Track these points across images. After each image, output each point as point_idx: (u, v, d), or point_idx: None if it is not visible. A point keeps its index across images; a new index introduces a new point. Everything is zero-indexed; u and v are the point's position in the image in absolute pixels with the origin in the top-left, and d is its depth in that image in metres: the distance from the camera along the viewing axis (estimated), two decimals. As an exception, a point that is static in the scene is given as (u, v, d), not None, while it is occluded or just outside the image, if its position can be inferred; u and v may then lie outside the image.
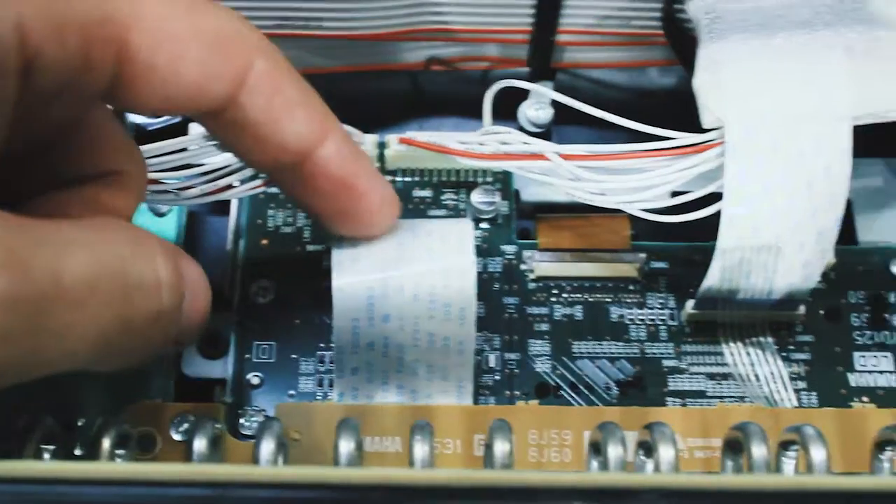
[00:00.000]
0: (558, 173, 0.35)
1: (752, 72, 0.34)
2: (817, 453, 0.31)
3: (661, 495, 0.23)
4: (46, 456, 0.32)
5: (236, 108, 0.29)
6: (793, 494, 0.23)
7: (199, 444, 0.31)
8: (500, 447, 0.31)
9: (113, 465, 0.27)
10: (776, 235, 0.34)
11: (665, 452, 0.31)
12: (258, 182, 0.36)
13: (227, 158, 0.35)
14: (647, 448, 0.32)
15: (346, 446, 0.31)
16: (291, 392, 0.37)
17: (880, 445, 0.33)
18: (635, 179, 0.35)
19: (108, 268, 0.26)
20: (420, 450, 0.31)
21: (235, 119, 0.30)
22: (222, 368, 0.37)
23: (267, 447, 0.31)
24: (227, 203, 0.40)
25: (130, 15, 0.27)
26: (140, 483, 0.23)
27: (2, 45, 0.24)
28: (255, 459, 0.31)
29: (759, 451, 0.31)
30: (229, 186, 0.36)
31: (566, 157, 0.35)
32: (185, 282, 0.29)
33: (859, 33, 0.33)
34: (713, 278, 0.35)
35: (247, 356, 0.37)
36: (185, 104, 0.29)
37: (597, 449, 0.32)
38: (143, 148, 0.35)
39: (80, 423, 0.35)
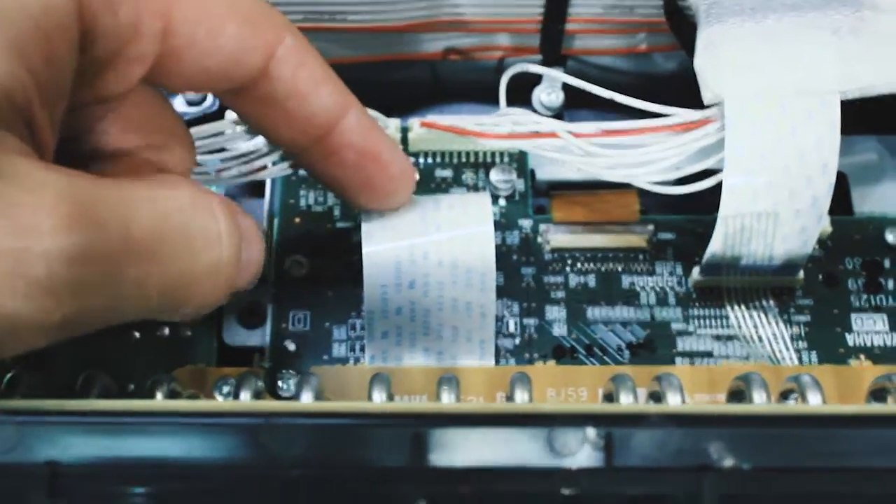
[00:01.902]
0: (570, 150, 0.38)
1: (747, 51, 0.36)
2: (813, 398, 0.33)
3: (664, 417, 0.26)
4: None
5: (267, 81, 0.32)
6: (778, 418, 0.26)
7: (245, 396, 0.34)
8: (521, 396, 0.34)
9: (170, 402, 0.30)
10: (774, 202, 0.36)
11: (673, 399, 0.33)
12: (290, 163, 0.39)
13: (260, 142, 0.38)
14: (657, 398, 0.35)
15: (378, 396, 0.34)
16: (325, 357, 0.40)
17: (874, 394, 0.35)
18: (641, 154, 0.37)
19: (172, 221, 0.28)
20: (447, 398, 0.34)
21: (266, 94, 0.32)
22: (261, 337, 0.40)
23: (307, 397, 0.33)
24: (261, 185, 0.43)
25: None
26: (196, 414, 0.26)
27: (62, 12, 0.26)
28: (295, 409, 0.33)
29: (759, 396, 0.34)
30: (263, 168, 0.38)
31: (576, 134, 0.38)
32: (242, 233, 0.31)
33: (845, 14, 0.36)
34: (717, 245, 0.38)
35: (283, 325, 0.40)
36: (221, 77, 0.31)
37: (610, 399, 0.35)
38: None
39: (130, 388, 0.38)
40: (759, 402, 0.33)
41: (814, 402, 0.33)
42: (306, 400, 0.33)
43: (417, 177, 0.37)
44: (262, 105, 0.33)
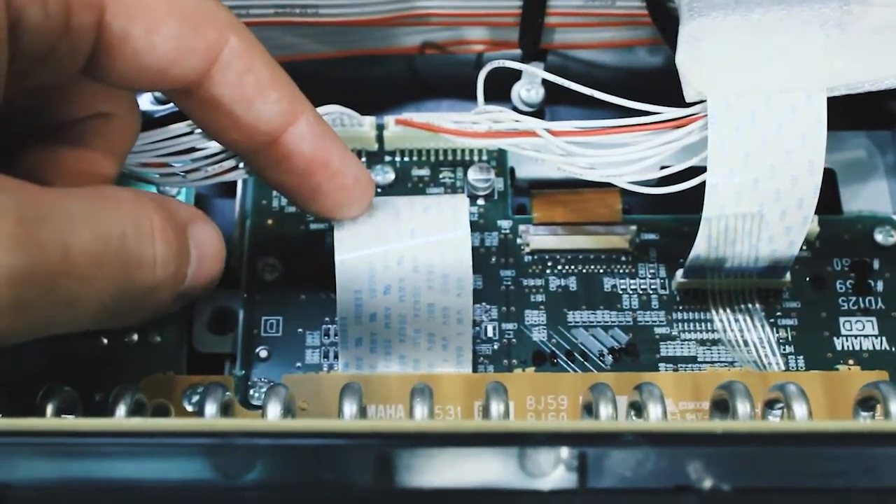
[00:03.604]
0: (549, 149, 0.37)
1: (731, 47, 0.35)
2: (799, 409, 0.32)
3: (640, 435, 0.25)
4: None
5: (210, 84, 0.31)
6: (759, 436, 0.25)
7: (210, 409, 0.33)
8: (496, 407, 0.32)
9: (123, 421, 0.29)
10: (758, 203, 0.35)
11: (654, 410, 0.32)
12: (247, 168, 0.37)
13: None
14: (638, 408, 0.34)
15: (349, 408, 0.32)
16: (298, 364, 0.38)
17: (862, 403, 0.34)
18: (622, 153, 0.36)
19: (111, 245, 0.28)
20: (420, 410, 0.32)
21: (209, 97, 0.31)
22: (232, 343, 0.39)
23: (273, 410, 0.32)
24: (233, 185, 0.41)
25: None
26: (149, 434, 0.25)
27: None
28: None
29: (743, 407, 0.33)
30: (234, 168, 0.37)
31: (555, 133, 0.36)
32: (195, 248, 0.31)
33: (833, 8, 0.35)
34: (700, 246, 0.37)
35: (255, 331, 0.39)
36: (158, 77, 0.30)
37: (589, 410, 0.34)
38: (150, 133, 0.37)
39: (97, 398, 0.37)
40: (743, 413, 0.32)
41: (799, 414, 0.32)
42: (273, 412, 0.32)
43: (373, 187, 0.35)
44: (207, 107, 0.31)
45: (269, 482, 0.25)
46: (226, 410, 0.34)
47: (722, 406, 0.34)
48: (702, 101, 0.35)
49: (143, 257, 0.29)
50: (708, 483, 0.25)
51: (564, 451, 0.25)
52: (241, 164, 0.37)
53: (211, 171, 0.37)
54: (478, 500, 0.25)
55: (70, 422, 0.26)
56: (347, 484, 0.25)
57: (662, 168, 0.38)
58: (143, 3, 0.29)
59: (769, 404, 0.34)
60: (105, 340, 0.38)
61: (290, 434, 0.25)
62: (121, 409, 0.33)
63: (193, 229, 0.32)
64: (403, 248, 0.36)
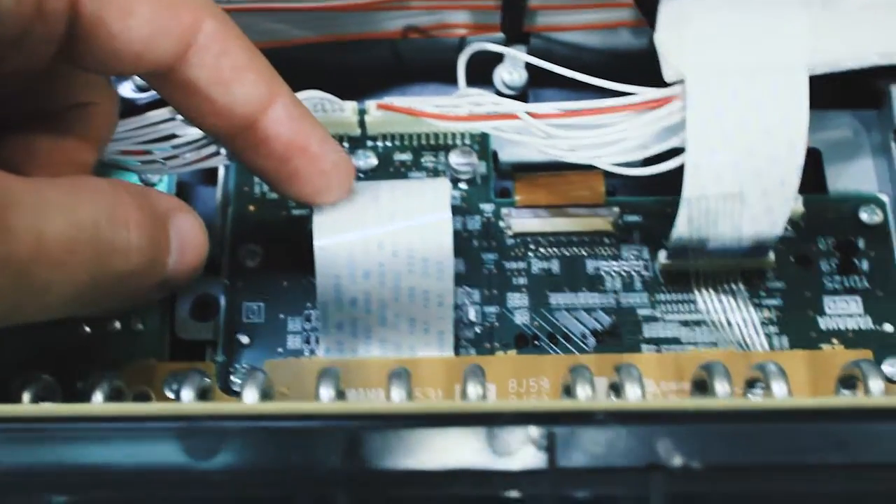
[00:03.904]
0: (530, 132, 0.37)
1: (711, 25, 0.35)
2: (778, 388, 0.32)
3: (609, 414, 0.25)
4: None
5: (186, 67, 0.31)
6: (729, 414, 0.25)
7: (187, 395, 0.33)
8: (473, 390, 0.32)
9: (93, 406, 0.29)
10: (739, 183, 0.35)
11: (631, 391, 0.32)
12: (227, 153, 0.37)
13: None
14: (617, 389, 0.33)
15: (325, 392, 0.32)
16: (280, 349, 0.38)
17: (843, 381, 0.34)
18: (602, 134, 0.36)
19: (85, 232, 0.28)
20: (397, 394, 0.32)
21: (185, 80, 0.31)
22: (214, 330, 0.39)
23: (251, 395, 0.32)
24: (215, 172, 0.41)
25: None
26: (117, 419, 0.25)
27: None
28: (239, 407, 0.32)
29: (721, 386, 0.32)
30: (215, 154, 0.37)
31: (535, 115, 0.36)
32: (176, 238, 0.31)
33: (816, -15, 0.35)
34: (682, 228, 0.37)
35: (237, 317, 0.39)
36: (134, 60, 0.30)
37: (569, 392, 0.34)
38: (130, 120, 0.37)
39: (78, 386, 0.37)
40: (721, 392, 0.32)
41: (778, 392, 0.32)
42: (250, 397, 0.32)
43: (353, 172, 0.35)
44: (183, 91, 0.31)
45: (238, 465, 0.25)
46: (204, 396, 0.34)
47: (702, 386, 0.34)
48: (681, 81, 0.35)
49: (117, 245, 0.29)
50: (678, 461, 0.25)
51: (533, 431, 0.25)
52: (222, 151, 0.37)
53: (191, 158, 0.37)
54: (447, 480, 0.25)
55: (35, 407, 0.26)
56: (316, 466, 0.25)
57: (645, 149, 0.37)
58: None
59: (750, 384, 0.34)
60: (87, 329, 0.38)
61: (258, 416, 0.25)
62: (97, 396, 0.33)
63: (175, 220, 0.32)
64: (383, 233, 0.35)
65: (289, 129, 0.33)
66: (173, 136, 0.37)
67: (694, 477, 0.25)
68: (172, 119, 0.37)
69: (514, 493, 0.25)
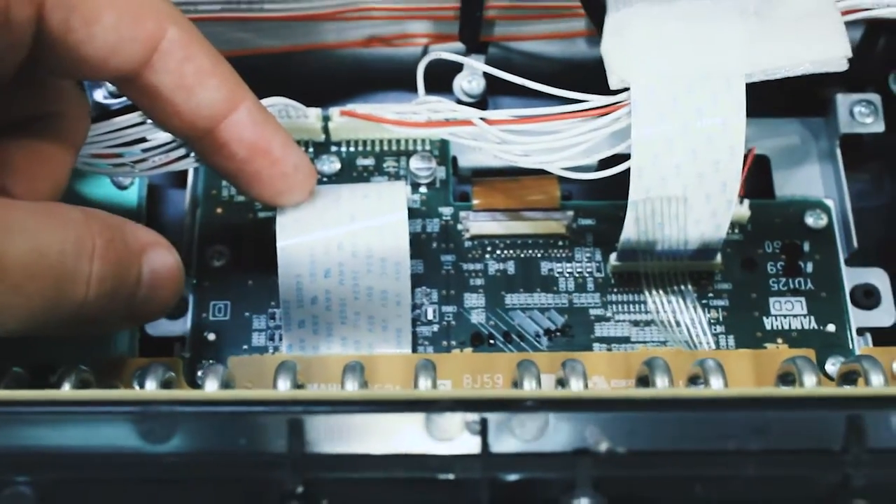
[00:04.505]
0: (485, 138, 0.38)
1: (653, 35, 0.36)
2: (716, 382, 0.34)
3: (539, 402, 0.26)
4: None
5: (150, 73, 0.32)
6: (653, 402, 0.26)
7: (150, 385, 0.34)
8: (423, 383, 0.34)
9: (50, 392, 0.30)
10: (682, 186, 0.37)
11: (575, 384, 0.34)
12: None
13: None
14: (563, 384, 0.35)
15: (283, 384, 0.34)
16: (245, 346, 0.40)
17: (782, 378, 0.36)
18: (553, 140, 0.37)
19: (46, 259, 0.29)
20: (350, 385, 0.34)
21: (150, 85, 0.32)
22: (182, 327, 0.40)
23: (211, 385, 0.33)
24: (184, 175, 0.43)
25: None
26: (74, 403, 0.26)
27: None
28: (199, 399, 0.33)
29: (661, 381, 0.34)
30: (184, 157, 0.39)
31: (490, 121, 0.38)
32: (149, 272, 0.32)
33: (752, -4, 0.36)
34: (630, 230, 0.38)
35: (204, 315, 0.40)
36: (99, 66, 0.31)
37: (516, 386, 0.35)
38: (103, 124, 0.38)
39: (52, 380, 0.38)
40: (662, 387, 0.34)
41: (716, 386, 0.33)
42: (210, 387, 0.33)
43: (314, 175, 0.37)
44: (148, 95, 0.33)
45: (188, 448, 0.26)
46: (167, 387, 0.35)
47: (645, 381, 0.35)
48: (626, 89, 0.36)
49: (78, 274, 0.30)
50: (604, 446, 0.26)
51: (468, 416, 0.26)
52: (191, 154, 0.38)
53: (160, 161, 0.39)
54: (386, 463, 0.26)
55: (1, 393, 0.27)
56: (262, 449, 0.26)
57: (594, 154, 0.39)
58: None
59: (692, 380, 0.35)
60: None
61: (206, 402, 0.26)
62: (66, 387, 0.34)
63: (150, 255, 0.33)
64: (343, 234, 0.37)
65: (251, 133, 0.34)
66: (143, 140, 0.38)
67: (619, 462, 0.26)
68: (142, 123, 0.38)
69: (449, 476, 0.26)
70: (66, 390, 0.33)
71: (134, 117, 0.38)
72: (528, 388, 0.34)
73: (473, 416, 0.26)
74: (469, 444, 0.26)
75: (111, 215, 0.32)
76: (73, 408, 0.26)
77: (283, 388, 0.34)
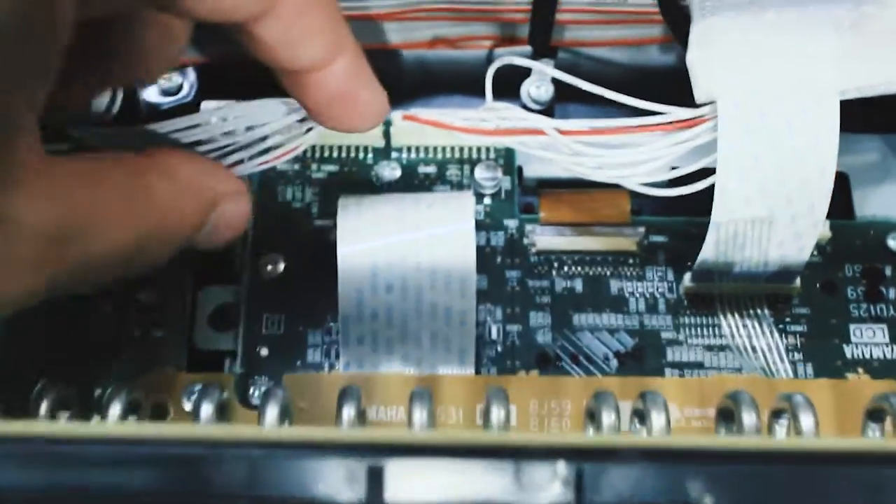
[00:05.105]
0: (557, 148, 0.36)
1: (742, 47, 0.34)
2: (806, 420, 0.32)
3: (640, 453, 0.24)
4: (62, 421, 0.33)
5: (259, 24, 0.30)
6: (763, 454, 0.24)
7: (206, 411, 0.32)
8: (497, 413, 0.32)
9: (96, 426, 0.28)
10: (768, 207, 0.35)
11: (657, 419, 0.32)
12: (268, 157, 0.37)
13: (237, 136, 0.36)
14: (642, 416, 0.33)
15: (347, 412, 0.32)
16: (299, 362, 0.38)
17: (871, 414, 0.34)
18: (631, 154, 0.35)
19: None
20: (419, 416, 0.32)
21: (255, 33, 0.30)
22: (233, 340, 0.38)
23: (271, 413, 0.32)
24: (239, 180, 0.41)
25: None
26: (119, 442, 0.24)
27: None
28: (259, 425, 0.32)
29: (749, 418, 0.32)
30: (240, 162, 0.37)
31: (563, 132, 0.36)
32: (217, 218, 0.32)
33: (847, 10, 0.34)
34: (709, 251, 0.36)
35: (256, 328, 0.38)
36: (212, 12, 0.30)
37: (592, 417, 0.33)
38: (157, 125, 0.36)
39: (97, 393, 0.37)
40: (749, 423, 0.32)
41: (806, 425, 0.31)
42: (270, 416, 0.32)
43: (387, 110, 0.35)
44: (250, 40, 0.31)
45: (246, 493, 0.24)
46: (222, 411, 0.34)
47: (728, 415, 0.33)
48: (712, 103, 0.34)
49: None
50: (708, 501, 0.24)
51: (561, 467, 0.24)
52: (248, 158, 0.36)
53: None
54: (472, 513, 0.25)
55: (34, 424, 0.25)
56: (336, 497, 0.24)
57: (673, 169, 0.37)
58: None
59: (776, 414, 0.34)
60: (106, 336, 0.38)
61: (273, 444, 0.25)
62: (115, 409, 0.32)
63: (223, 206, 0.32)
64: (407, 244, 0.35)
65: (341, 84, 0.32)
66: (199, 143, 0.37)
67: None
68: (197, 126, 0.36)
69: (539, 529, 0.24)
70: (119, 421, 0.31)
71: (190, 119, 0.36)
72: (607, 422, 0.32)
73: (569, 466, 0.24)
74: (561, 496, 0.24)
75: (192, 167, 0.32)
76: (129, 447, 0.25)
77: (348, 417, 0.32)
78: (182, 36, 0.33)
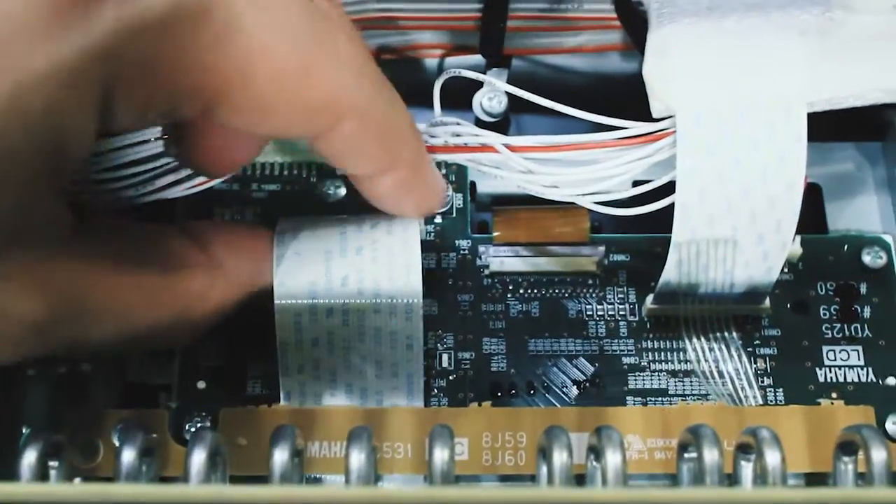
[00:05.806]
0: (509, 166, 0.34)
1: (702, 57, 0.32)
2: (772, 457, 0.30)
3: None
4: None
5: (314, 141, 0.31)
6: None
7: (128, 456, 0.30)
8: (440, 454, 0.30)
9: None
10: (732, 227, 0.32)
11: (612, 458, 0.30)
12: (203, 178, 0.35)
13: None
14: (597, 453, 0.31)
15: (280, 456, 0.30)
16: (239, 395, 0.36)
17: (843, 447, 0.32)
18: (588, 171, 0.33)
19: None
20: (356, 459, 0.30)
21: (311, 146, 0.31)
22: (169, 373, 0.36)
23: (198, 459, 0.29)
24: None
25: (236, 72, 0.27)
26: None
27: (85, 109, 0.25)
28: (185, 472, 0.29)
29: (710, 455, 0.30)
30: (175, 184, 0.35)
31: (514, 148, 0.34)
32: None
33: (814, 14, 0.32)
34: (671, 272, 0.34)
35: (193, 359, 0.36)
36: (267, 136, 0.32)
37: (544, 454, 0.31)
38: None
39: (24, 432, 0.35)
40: (710, 461, 0.30)
41: (772, 463, 0.29)
42: (198, 459, 0.29)
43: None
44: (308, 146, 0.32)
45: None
46: (149, 454, 0.31)
47: (689, 449, 0.31)
48: (671, 117, 0.32)
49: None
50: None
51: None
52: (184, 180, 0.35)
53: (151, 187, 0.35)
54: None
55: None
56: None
57: (635, 185, 0.35)
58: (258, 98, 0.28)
59: (742, 448, 0.31)
60: (30, 372, 0.36)
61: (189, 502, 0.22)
62: (30, 456, 0.30)
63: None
64: (348, 266, 0.33)
65: (390, 191, 0.32)
66: (132, 164, 0.35)
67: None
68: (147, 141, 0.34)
69: None
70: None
71: (122, 139, 0.34)
72: (559, 462, 0.30)
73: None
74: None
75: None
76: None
77: (280, 460, 0.30)
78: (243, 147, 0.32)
